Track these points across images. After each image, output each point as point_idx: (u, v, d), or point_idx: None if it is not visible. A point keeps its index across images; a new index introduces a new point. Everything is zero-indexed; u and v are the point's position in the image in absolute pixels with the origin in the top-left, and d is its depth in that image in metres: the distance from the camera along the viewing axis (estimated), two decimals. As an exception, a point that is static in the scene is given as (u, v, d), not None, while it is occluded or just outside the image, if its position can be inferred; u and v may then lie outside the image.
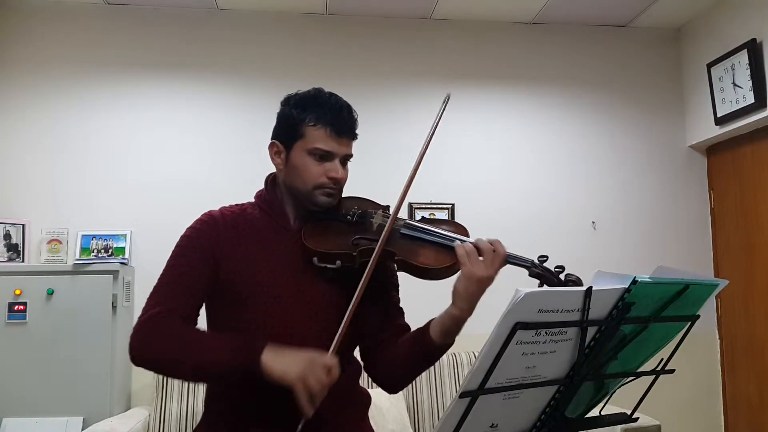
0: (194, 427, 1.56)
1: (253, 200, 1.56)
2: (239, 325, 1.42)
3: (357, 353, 1.57)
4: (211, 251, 1.43)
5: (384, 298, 1.54)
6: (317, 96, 1.47)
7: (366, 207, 1.52)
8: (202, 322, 1.49)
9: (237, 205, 1.55)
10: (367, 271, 1.34)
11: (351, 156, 1.49)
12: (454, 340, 1.39)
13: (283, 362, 1.27)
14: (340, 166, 1.45)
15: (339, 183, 1.46)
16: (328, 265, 1.40)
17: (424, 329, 1.41)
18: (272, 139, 1.50)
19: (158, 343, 1.34)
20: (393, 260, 1.40)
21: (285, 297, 1.41)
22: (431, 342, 1.38)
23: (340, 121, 1.44)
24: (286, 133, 1.47)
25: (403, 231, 1.45)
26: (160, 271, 1.44)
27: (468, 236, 1.43)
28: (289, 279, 1.42)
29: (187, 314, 1.40)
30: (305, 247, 1.41)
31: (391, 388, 1.52)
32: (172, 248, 1.47)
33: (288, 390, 1.36)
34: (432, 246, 1.41)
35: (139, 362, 1.37)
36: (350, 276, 1.40)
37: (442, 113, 1.52)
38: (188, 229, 1.48)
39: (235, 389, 1.43)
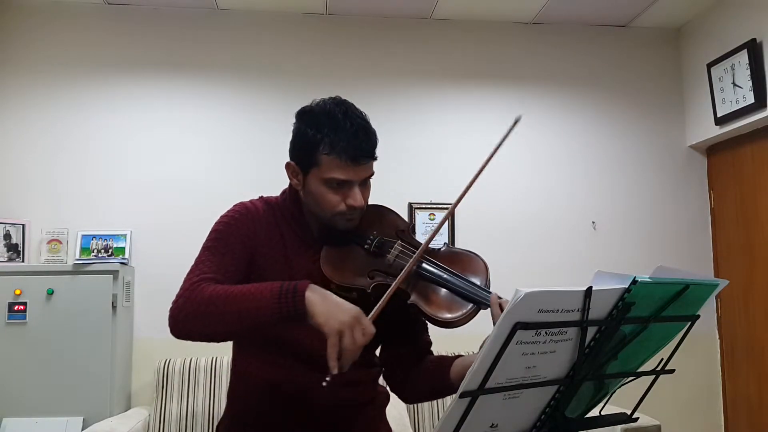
0: (218, 422, 1.57)
1: (278, 197, 1.51)
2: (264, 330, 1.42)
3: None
4: (249, 241, 1.39)
5: (407, 313, 1.51)
6: (332, 115, 1.36)
7: (387, 228, 1.47)
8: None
9: (263, 201, 1.49)
10: (376, 308, 1.27)
11: (372, 175, 1.42)
12: None
13: (328, 309, 1.21)
14: (358, 191, 1.38)
15: (358, 210, 1.40)
16: (345, 294, 1.37)
17: (446, 368, 1.42)
18: (289, 158, 1.44)
19: (201, 305, 1.27)
20: (405, 303, 1.34)
21: None
22: (450, 383, 1.41)
23: (356, 147, 1.34)
24: (301, 156, 1.40)
25: (422, 271, 1.38)
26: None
27: (488, 272, 1.39)
28: None
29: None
30: (323, 274, 1.38)
31: (408, 402, 1.60)
32: (206, 235, 1.42)
33: (310, 389, 1.37)
34: (450, 293, 1.35)
35: (182, 329, 1.29)
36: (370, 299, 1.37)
37: (508, 134, 1.42)
38: (224, 216, 1.43)
39: (257, 387, 1.44)
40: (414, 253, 1.38)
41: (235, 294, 1.26)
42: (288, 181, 1.50)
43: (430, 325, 1.42)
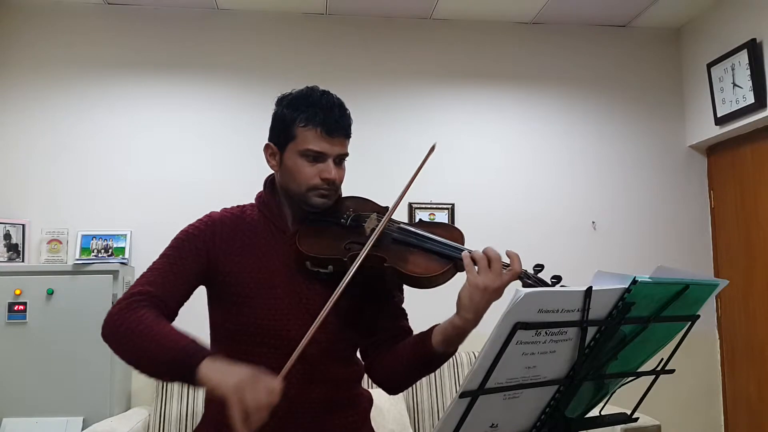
0: (195, 426, 1.56)
1: (254, 201, 1.56)
2: (237, 326, 1.42)
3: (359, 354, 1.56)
4: (206, 251, 1.43)
5: (386, 299, 1.52)
6: (309, 95, 1.45)
7: (363, 208, 1.49)
8: (200, 322, 1.50)
9: (238, 206, 1.55)
10: (344, 278, 1.29)
11: (346, 155, 1.47)
12: (456, 349, 1.36)
13: (222, 372, 1.20)
14: (333, 166, 1.43)
15: (333, 184, 1.44)
16: (321, 270, 1.39)
17: (426, 336, 1.37)
18: (268, 140, 1.50)
19: (121, 325, 1.33)
20: (383, 267, 1.35)
21: (281, 298, 1.41)
22: (432, 350, 1.35)
23: (332, 120, 1.42)
24: (279, 134, 1.46)
25: (396, 236, 1.41)
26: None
27: (464, 240, 1.40)
28: (285, 281, 1.42)
29: (166, 303, 1.39)
30: (298, 250, 1.40)
31: (391, 390, 1.51)
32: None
33: (288, 392, 1.36)
34: (426, 253, 1.37)
35: (104, 338, 1.38)
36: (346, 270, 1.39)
37: (425, 160, 1.43)
38: (189, 226, 1.49)
39: None
40: (389, 222, 1.41)
41: (149, 337, 1.29)
42: (263, 184, 1.56)
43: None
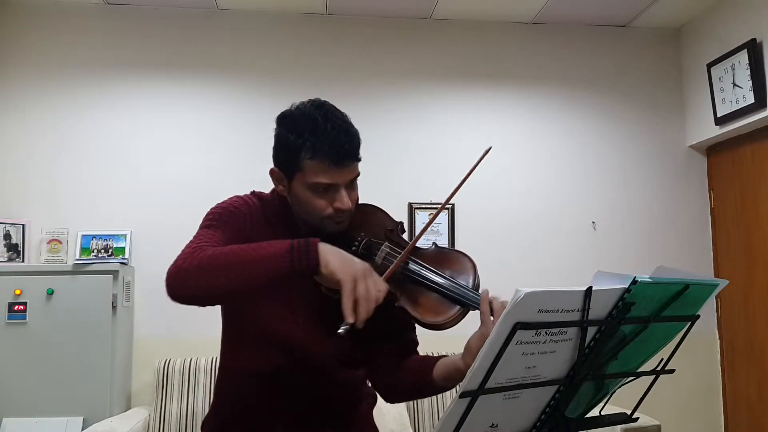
0: (203, 418, 1.56)
1: (269, 194, 1.49)
2: (248, 329, 1.42)
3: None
4: (242, 233, 1.37)
5: (394, 313, 1.51)
6: (313, 120, 1.33)
7: (375, 225, 1.45)
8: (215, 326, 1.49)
9: (258, 197, 1.48)
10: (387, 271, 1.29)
11: (357, 176, 1.39)
12: (455, 385, 1.37)
13: (341, 258, 1.20)
14: (345, 194, 1.35)
15: (346, 212, 1.37)
16: (334, 296, 1.38)
17: (429, 369, 1.39)
18: (273, 164, 1.41)
19: (204, 260, 1.22)
20: (393, 304, 1.32)
21: (297, 306, 1.40)
22: (432, 383, 1.39)
23: (339, 148, 1.32)
24: (285, 162, 1.37)
25: (411, 275, 1.36)
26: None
27: (476, 270, 1.37)
28: (299, 291, 1.38)
29: None
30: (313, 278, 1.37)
31: (387, 400, 1.55)
32: (201, 221, 1.40)
33: (293, 391, 1.36)
34: (439, 297, 1.33)
35: (181, 286, 1.23)
36: None
37: (478, 163, 1.38)
38: (223, 202, 1.42)
39: (243, 381, 1.44)
40: (401, 254, 1.37)
41: (242, 248, 1.23)
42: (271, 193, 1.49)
43: (419, 327, 1.42)
